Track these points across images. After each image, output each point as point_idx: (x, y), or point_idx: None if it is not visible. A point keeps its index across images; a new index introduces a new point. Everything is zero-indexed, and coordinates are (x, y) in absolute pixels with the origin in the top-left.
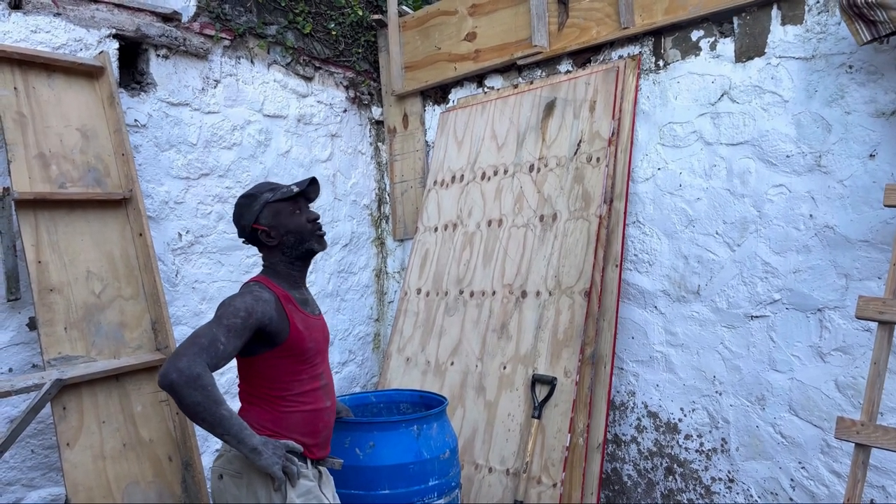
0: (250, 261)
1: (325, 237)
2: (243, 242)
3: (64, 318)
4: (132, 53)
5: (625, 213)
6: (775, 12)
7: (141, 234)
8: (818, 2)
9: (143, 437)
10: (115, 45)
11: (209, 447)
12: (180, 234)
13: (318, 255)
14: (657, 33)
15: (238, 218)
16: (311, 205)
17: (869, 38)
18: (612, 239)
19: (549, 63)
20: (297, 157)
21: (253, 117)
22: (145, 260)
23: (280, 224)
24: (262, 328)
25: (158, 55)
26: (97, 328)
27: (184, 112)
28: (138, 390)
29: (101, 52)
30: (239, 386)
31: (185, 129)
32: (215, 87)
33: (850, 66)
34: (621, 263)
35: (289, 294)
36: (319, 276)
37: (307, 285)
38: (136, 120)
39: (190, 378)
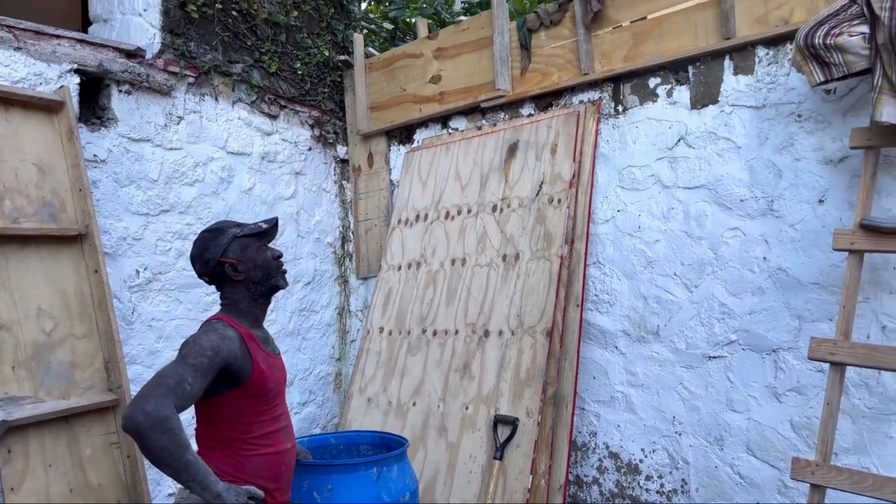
0: (209, 298)
1: (286, 275)
2: (203, 279)
3: (12, 356)
4: (94, 89)
5: (585, 253)
6: (728, 63)
7: (96, 271)
8: (768, 54)
9: (91, 482)
10: (77, 79)
11: (161, 492)
12: (138, 271)
13: (280, 293)
14: (616, 80)
15: (201, 252)
16: (272, 243)
17: (822, 80)
18: (573, 279)
19: (511, 106)
20: (261, 195)
21: (216, 154)
22: (100, 297)
23: (247, 258)
24: (227, 367)
25: (121, 91)
26: (47, 368)
27: (145, 148)
28: (88, 432)
29: (62, 86)
30: (196, 429)
31: (146, 165)
32: (178, 124)
33: (799, 115)
34: (582, 303)
35: (251, 332)
36: (280, 315)
37: (265, 324)
38: (95, 155)
39: (157, 421)
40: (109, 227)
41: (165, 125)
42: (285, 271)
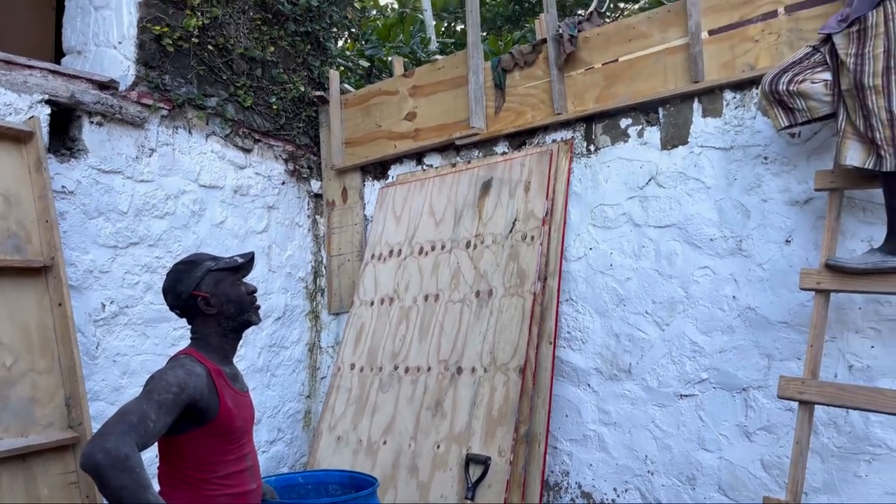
0: (177, 333)
1: (259, 311)
2: (175, 311)
3: None
4: (65, 119)
5: (558, 290)
6: (696, 105)
7: (60, 304)
8: (735, 97)
9: None
10: (48, 110)
11: None
12: (104, 305)
13: (250, 329)
14: (589, 120)
15: (174, 284)
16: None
17: (787, 124)
18: (546, 316)
19: (486, 144)
20: (232, 228)
21: (188, 187)
22: (63, 331)
23: (221, 292)
24: (193, 404)
25: (92, 122)
26: (5, 403)
27: (115, 180)
28: (46, 471)
29: (32, 117)
30: (159, 467)
31: (116, 197)
32: (150, 156)
33: (766, 158)
34: (555, 340)
35: (220, 368)
36: (250, 350)
37: (234, 360)
38: (63, 186)
39: (117, 459)
40: (76, 260)
41: (137, 157)
42: (259, 307)
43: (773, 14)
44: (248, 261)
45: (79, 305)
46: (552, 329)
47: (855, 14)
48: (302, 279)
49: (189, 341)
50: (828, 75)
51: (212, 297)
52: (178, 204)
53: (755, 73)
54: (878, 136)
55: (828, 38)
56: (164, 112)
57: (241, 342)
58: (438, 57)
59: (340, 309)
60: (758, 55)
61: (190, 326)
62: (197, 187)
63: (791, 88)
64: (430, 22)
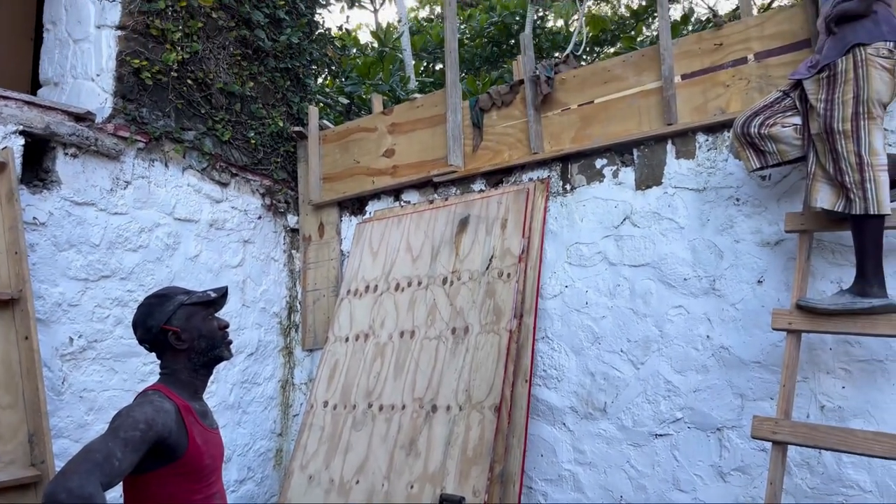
0: (147, 368)
1: (231, 346)
2: (144, 345)
3: None
4: (39, 151)
5: (534, 328)
6: (670, 147)
7: (27, 338)
8: (707, 140)
9: None
10: (21, 141)
11: None
12: (71, 339)
13: (222, 364)
14: (565, 159)
15: (145, 318)
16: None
17: (758, 166)
18: (521, 353)
19: (463, 181)
20: (207, 262)
21: (163, 220)
22: (29, 365)
23: (193, 327)
24: (161, 442)
25: (67, 153)
26: None
27: (88, 212)
28: None
29: (5, 147)
30: None
31: (89, 230)
32: (125, 189)
33: (738, 199)
34: (531, 378)
35: (189, 405)
36: (221, 387)
37: (205, 396)
38: (35, 218)
39: (81, 499)
40: (44, 293)
41: (112, 189)
42: (230, 342)
43: (744, 60)
44: (222, 295)
45: (46, 339)
46: (528, 367)
47: (825, 60)
48: (276, 314)
49: (158, 377)
50: (798, 119)
51: (183, 332)
52: (151, 237)
53: (726, 116)
54: (847, 179)
55: (797, 84)
56: (141, 145)
57: (211, 378)
58: (417, 95)
59: (315, 345)
60: (729, 99)
61: (159, 361)
62: (172, 220)
63: (762, 132)
64: (410, 61)
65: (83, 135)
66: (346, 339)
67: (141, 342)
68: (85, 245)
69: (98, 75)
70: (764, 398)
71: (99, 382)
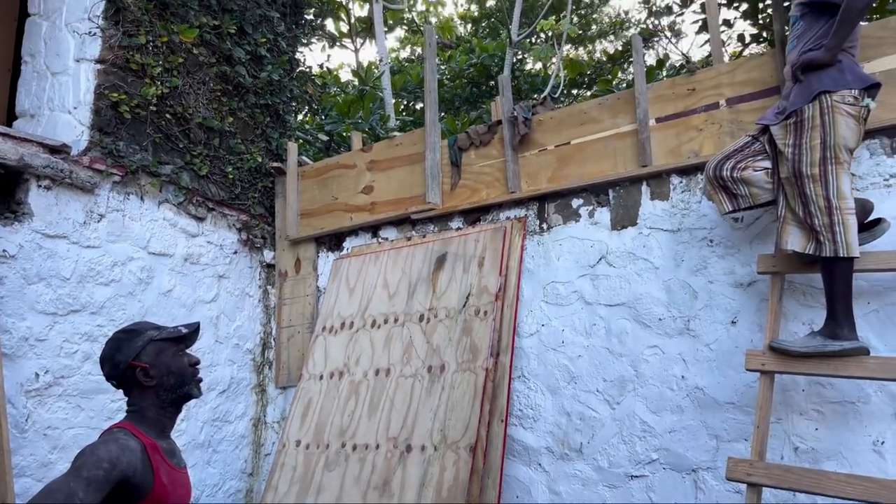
0: (114, 406)
1: (201, 383)
2: (111, 381)
3: None
4: (12, 182)
5: (510, 367)
6: (645, 188)
7: None
8: (681, 182)
9: None
10: None
11: None
12: (37, 374)
13: (193, 402)
14: (542, 199)
15: (113, 353)
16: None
17: (731, 209)
18: (497, 393)
19: (441, 219)
20: (180, 297)
21: (136, 254)
22: None
23: (162, 363)
24: (126, 481)
25: (41, 186)
26: None
27: (60, 245)
28: None
29: None
30: None
31: (60, 263)
32: (99, 222)
33: (711, 241)
34: (506, 418)
35: (156, 443)
36: (191, 425)
37: (174, 435)
38: (4, 250)
39: None
40: (11, 326)
41: (85, 222)
42: (200, 380)
43: (716, 105)
44: (193, 331)
45: (10, 374)
46: (504, 406)
47: (792, 107)
48: (250, 351)
49: (125, 414)
50: (768, 163)
51: (151, 368)
52: (124, 271)
53: (700, 159)
54: (816, 222)
55: (766, 129)
56: (117, 178)
57: (181, 415)
58: (397, 133)
59: (288, 382)
60: (702, 143)
61: (126, 399)
62: (146, 255)
63: (734, 175)
64: (390, 100)
65: (58, 167)
66: (321, 377)
67: (108, 378)
68: (55, 278)
69: (75, 108)
70: (738, 439)
71: (64, 420)
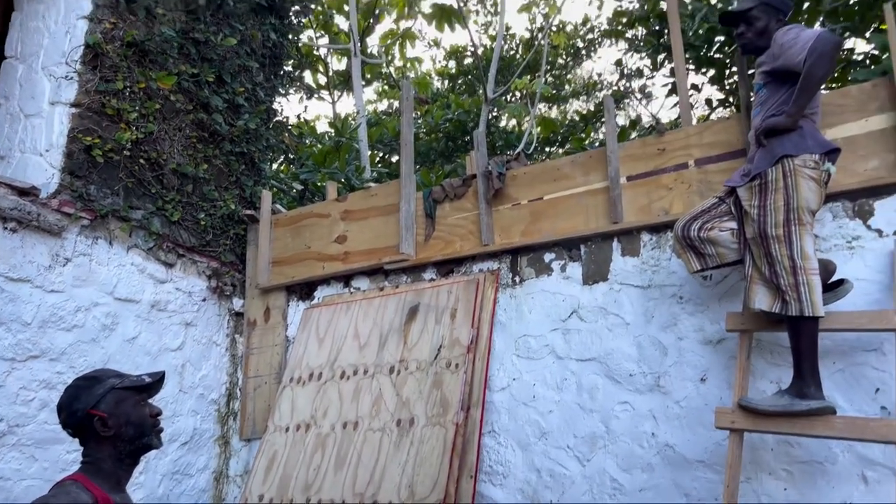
0: (70, 457)
1: (162, 434)
2: (67, 430)
3: None
4: None
5: (481, 421)
6: (616, 244)
7: None
8: (651, 239)
9: None
10: None
11: None
12: None
13: (152, 454)
14: (514, 252)
15: (71, 401)
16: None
17: (699, 268)
18: (467, 448)
19: (414, 270)
20: (145, 345)
21: (102, 299)
22: None
23: (121, 413)
24: None
25: (6, 228)
26: None
27: (23, 289)
28: None
29: None
30: None
31: (21, 307)
32: (64, 266)
33: (681, 297)
34: (476, 475)
35: (109, 497)
36: (149, 478)
37: (130, 488)
38: None
39: None
40: None
41: (50, 266)
42: (161, 430)
43: (685, 166)
44: (157, 381)
45: None
46: (473, 462)
47: (756, 170)
48: (214, 401)
49: (80, 465)
50: (734, 224)
51: (110, 418)
52: (88, 317)
53: (669, 217)
54: (782, 282)
55: (733, 191)
56: (86, 222)
57: (139, 468)
58: (372, 184)
59: (253, 435)
60: (672, 201)
61: (82, 449)
62: (111, 300)
63: (702, 235)
64: (366, 152)
65: (25, 209)
66: (287, 429)
67: (64, 427)
68: (15, 323)
69: (47, 150)
70: (708, 498)
71: (17, 471)
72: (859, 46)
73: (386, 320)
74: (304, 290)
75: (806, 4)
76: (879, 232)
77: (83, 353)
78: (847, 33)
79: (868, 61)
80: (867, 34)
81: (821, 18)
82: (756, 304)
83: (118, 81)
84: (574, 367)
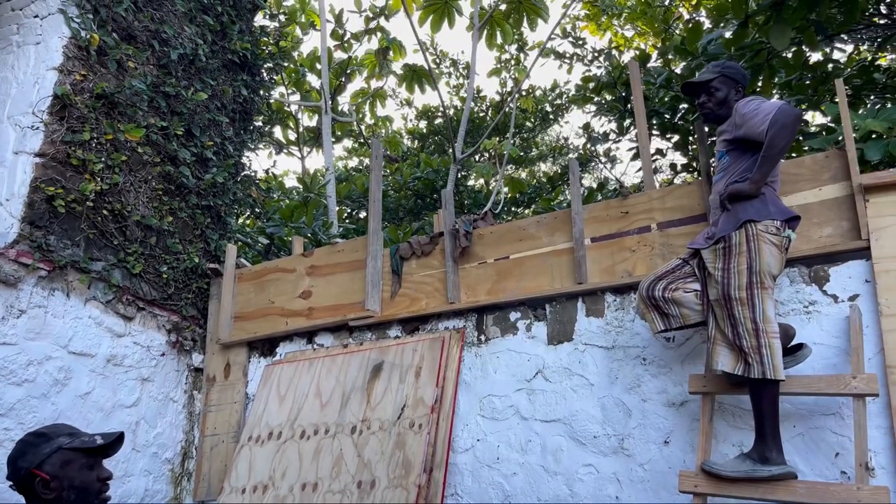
0: None
1: (109, 500)
2: (11, 487)
3: None
4: None
5: (444, 484)
6: (580, 304)
7: None
8: (615, 300)
9: None
10: None
11: None
12: None
13: None
14: (480, 311)
15: (17, 456)
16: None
17: (662, 328)
18: None
19: (380, 327)
20: (98, 401)
21: (55, 353)
22: None
23: (65, 476)
24: None
25: None
26: None
27: None
28: None
29: None
30: None
31: None
32: (18, 318)
33: (645, 359)
34: None
35: None
36: None
37: None
38: None
39: None
40: None
41: (3, 318)
42: (107, 498)
43: (647, 229)
44: (112, 442)
45: None
46: None
47: (720, 233)
48: (169, 461)
49: None
50: (697, 286)
51: (52, 480)
52: (40, 371)
53: (633, 279)
54: (745, 344)
55: (696, 253)
56: (43, 273)
57: None
58: (339, 240)
59: (208, 496)
60: (635, 264)
61: None
62: (65, 354)
63: (666, 295)
64: (334, 207)
65: None
66: (243, 491)
67: (9, 481)
68: None
69: (8, 200)
70: None
71: None
72: (812, 118)
73: (349, 378)
74: (266, 345)
75: (760, 77)
76: (835, 297)
77: (32, 408)
78: (803, 105)
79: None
80: (822, 106)
81: (775, 91)
82: (719, 366)
83: (85, 132)
84: (539, 428)
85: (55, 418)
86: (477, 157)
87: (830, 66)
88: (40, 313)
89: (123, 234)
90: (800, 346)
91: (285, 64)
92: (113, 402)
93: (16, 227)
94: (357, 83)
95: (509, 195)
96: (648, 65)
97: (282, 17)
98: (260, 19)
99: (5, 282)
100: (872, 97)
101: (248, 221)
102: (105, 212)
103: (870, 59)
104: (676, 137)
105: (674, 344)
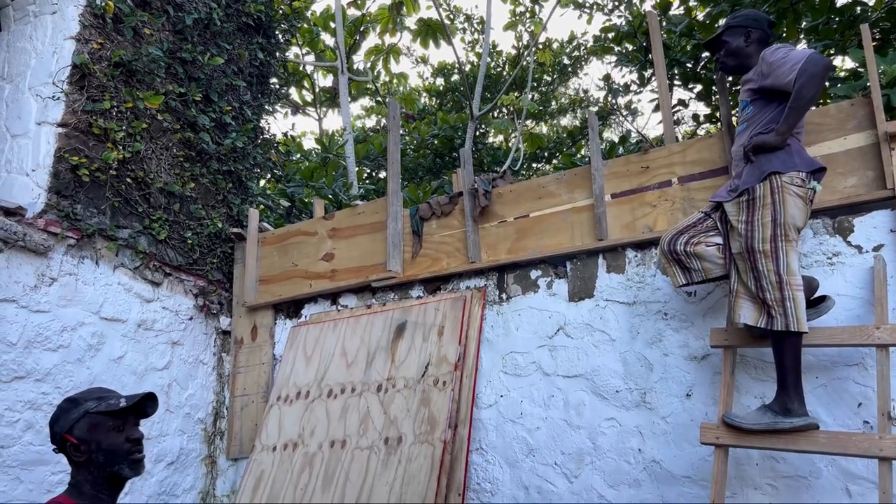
0: (55, 478)
1: (143, 461)
2: (54, 450)
3: None
4: None
5: (469, 439)
6: (601, 261)
7: None
8: (636, 256)
9: None
10: None
11: None
12: None
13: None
14: (501, 269)
15: (52, 422)
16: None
17: (684, 282)
18: (455, 466)
19: (402, 287)
20: (131, 364)
21: (88, 319)
22: None
23: (93, 439)
24: None
25: None
26: None
27: (8, 309)
28: None
29: None
30: None
31: (7, 328)
32: (50, 286)
33: (666, 314)
34: (464, 493)
35: None
36: (135, 498)
37: None
38: None
39: None
40: None
41: (36, 286)
42: (139, 459)
43: (668, 183)
44: (143, 404)
45: None
46: (461, 480)
47: (744, 185)
48: (201, 420)
49: (67, 485)
50: (720, 239)
51: (82, 444)
52: (74, 336)
53: (654, 234)
54: (768, 297)
55: (718, 206)
56: (72, 241)
57: (125, 489)
58: (359, 202)
59: (240, 454)
60: (656, 219)
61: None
62: (97, 320)
63: (688, 249)
64: (353, 168)
65: (11, 230)
66: (274, 448)
67: (52, 445)
68: (1, 344)
69: (34, 170)
70: None
71: (2, 493)
72: (841, 63)
73: (373, 338)
74: (291, 308)
75: (784, 22)
76: (859, 248)
77: (69, 373)
78: (830, 51)
79: (852, 78)
80: (848, 51)
81: (801, 36)
82: (741, 319)
83: (105, 101)
84: (561, 383)
85: (91, 382)
86: (495, 114)
87: (858, 8)
88: (71, 281)
89: (147, 201)
90: (823, 299)
91: (299, 24)
92: (145, 365)
93: (43, 197)
94: (371, 40)
95: (529, 151)
96: (669, 12)
97: None
98: None
99: (35, 251)
100: None
101: (268, 185)
102: (129, 180)
103: None
104: (699, 87)
105: (695, 298)
